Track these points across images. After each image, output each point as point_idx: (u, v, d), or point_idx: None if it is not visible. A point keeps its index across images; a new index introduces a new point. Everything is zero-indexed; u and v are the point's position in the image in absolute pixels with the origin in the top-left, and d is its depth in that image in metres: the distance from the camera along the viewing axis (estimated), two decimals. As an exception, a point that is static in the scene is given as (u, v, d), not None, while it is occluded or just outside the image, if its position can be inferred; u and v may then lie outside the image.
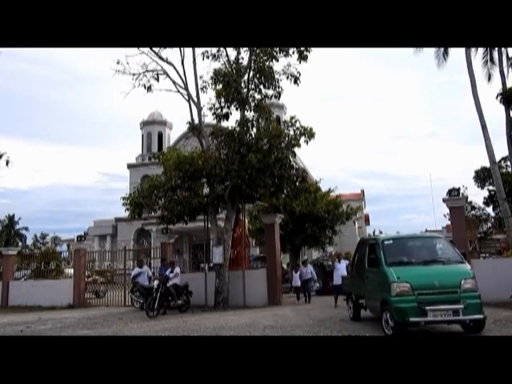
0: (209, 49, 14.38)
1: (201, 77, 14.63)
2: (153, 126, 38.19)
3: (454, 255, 7.89)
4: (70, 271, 18.16)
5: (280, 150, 13.37)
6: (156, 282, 12.34)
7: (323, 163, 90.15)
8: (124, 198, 14.57)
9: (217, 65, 14.51)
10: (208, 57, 14.45)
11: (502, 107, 18.15)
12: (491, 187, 19.72)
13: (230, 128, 14.23)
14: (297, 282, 14.87)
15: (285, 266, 20.90)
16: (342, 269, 12.74)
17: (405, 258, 7.86)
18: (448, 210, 13.80)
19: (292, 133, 13.72)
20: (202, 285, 14.35)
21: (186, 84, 14.76)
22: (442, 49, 18.99)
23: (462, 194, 13.89)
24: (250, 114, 14.36)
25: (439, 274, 7.29)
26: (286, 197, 17.93)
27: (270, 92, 14.49)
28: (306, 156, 66.12)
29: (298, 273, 14.93)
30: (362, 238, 10.39)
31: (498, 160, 17.99)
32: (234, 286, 13.91)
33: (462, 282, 7.03)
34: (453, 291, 7.00)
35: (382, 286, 7.55)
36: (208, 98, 14.52)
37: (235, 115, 14.45)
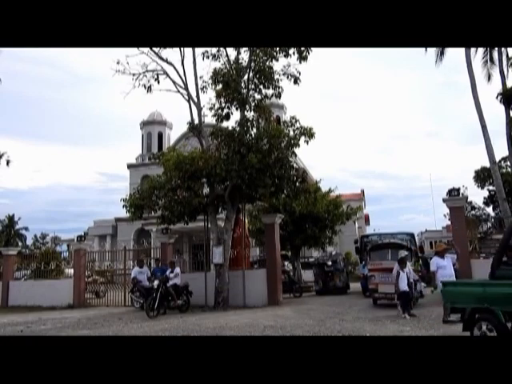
0: (209, 49, 14.41)
1: (201, 77, 14.67)
2: (153, 126, 38.17)
3: None
4: (70, 271, 18.17)
5: (280, 150, 13.37)
6: (156, 282, 12.34)
7: (323, 163, 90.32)
8: (124, 200, 14.57)
9: (217, 65, 14.55)
10: (208, 57, 14.47)
11: (502, 107, 18.17)
12: (491, 187, 19.70)
13: (230, 128, 14.23)
14: (405, 286, 10.31)
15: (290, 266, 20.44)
16: (447, 267, 9.37)
17: None
18: (448, 210, 13.83)
19: (292, 133, 13.72)
20: (202, 285, 14.35)
21: (186, 84, 14.77)
22: (440, 48, 19.00)
23: (462, 194, 13.92)
24: (249, 114, 14.37)
25: None
26: (286, 197, 17.91)
27: (270, 92, 14.49)
28: (306, 156, 66.15)
29: (405, 271, 10.53)
30: None
31: (498, 160, 17.99)
32: (234, 286, 13.92)
33: None
34: None
35: None
36: (208, 98, 14.56)
37: (235, 115, 14.48)
